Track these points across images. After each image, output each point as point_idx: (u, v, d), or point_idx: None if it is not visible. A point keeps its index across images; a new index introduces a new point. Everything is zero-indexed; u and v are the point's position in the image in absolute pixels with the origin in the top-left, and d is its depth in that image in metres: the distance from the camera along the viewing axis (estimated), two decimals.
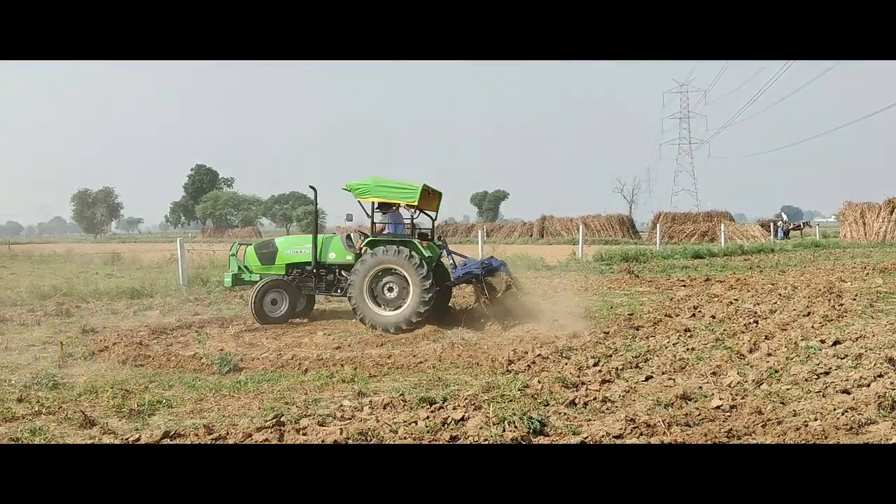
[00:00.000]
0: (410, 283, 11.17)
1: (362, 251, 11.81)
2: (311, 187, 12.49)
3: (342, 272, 12.20)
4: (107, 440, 5.41)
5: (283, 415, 6.02)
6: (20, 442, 5.48)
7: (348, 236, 12.71)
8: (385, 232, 12.03)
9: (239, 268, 12.76)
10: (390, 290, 11.34)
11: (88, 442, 5.40)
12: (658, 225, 43.85)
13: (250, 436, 5.44)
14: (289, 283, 12.19)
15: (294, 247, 12.54)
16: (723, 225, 41.43)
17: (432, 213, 12.60)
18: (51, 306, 13.91)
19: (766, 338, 9.03)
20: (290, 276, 12.36)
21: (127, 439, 5.42)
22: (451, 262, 12.39)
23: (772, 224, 48.72)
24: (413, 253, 11.29)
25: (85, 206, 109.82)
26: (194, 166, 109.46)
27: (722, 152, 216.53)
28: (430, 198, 12.09)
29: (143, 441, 5.35)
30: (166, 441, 5.36)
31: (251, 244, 13.10)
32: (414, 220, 12.36)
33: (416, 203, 11.43)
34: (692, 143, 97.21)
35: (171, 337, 10.78)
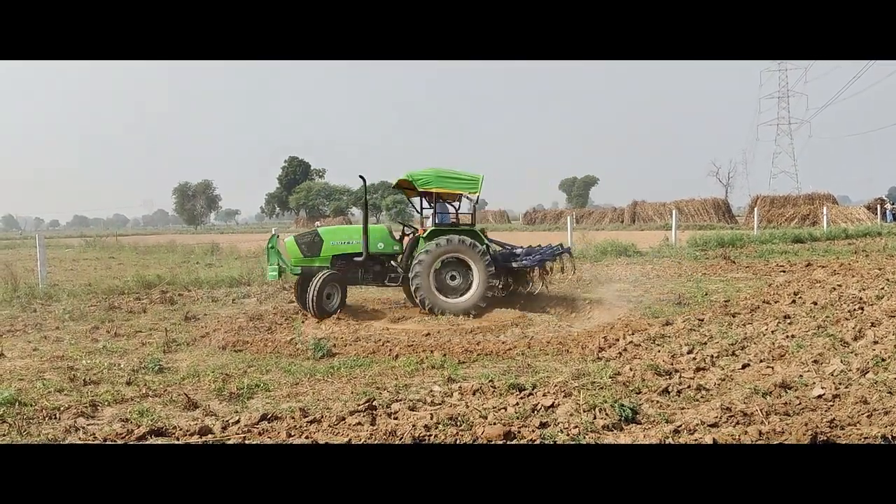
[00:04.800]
0: (475, 270, 11.67)
1: (405, 241, 12.43)
2: (360, 177, 12.39)
3: (391, 262, 12.41)
4: (209, 422, 5.64)
5: (375, 399, 6.14)
6: (129, 420, 5.78)
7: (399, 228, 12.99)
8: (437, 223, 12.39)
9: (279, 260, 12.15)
10: (453, 278, 11.80)
11: (192, 423, 5.64)
12: (756, 209, 42.15)
13: (344, 419, 5.57)
14: (341, 275, 11.77)
15: (342, 238, 12.18)
16: (825, 208, 39.55)
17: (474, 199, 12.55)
18: (155, 295, 14.60)
19: (873, 325, 8.52)
20: (336, 268, 11.93)
21: (226, 421, 5.64)
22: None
23: (879, 206, 46.16)
24: (476, 242, 11.79)
25: (185, 198, 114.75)
26: (287, 158, 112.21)
27: (824, 132, 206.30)
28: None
29: (242, 422, 5.56)
30: (264, 423, 5.56)
31: (291, 236, 12.54)
32: (458, 211, 12.86)
33: (478, 194, 11.97)
34: (792, 124, 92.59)
35: (268, 323, 11.14)
